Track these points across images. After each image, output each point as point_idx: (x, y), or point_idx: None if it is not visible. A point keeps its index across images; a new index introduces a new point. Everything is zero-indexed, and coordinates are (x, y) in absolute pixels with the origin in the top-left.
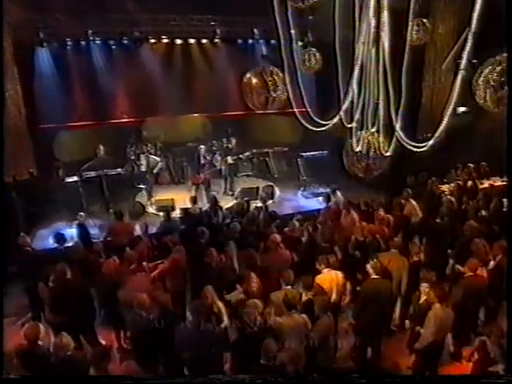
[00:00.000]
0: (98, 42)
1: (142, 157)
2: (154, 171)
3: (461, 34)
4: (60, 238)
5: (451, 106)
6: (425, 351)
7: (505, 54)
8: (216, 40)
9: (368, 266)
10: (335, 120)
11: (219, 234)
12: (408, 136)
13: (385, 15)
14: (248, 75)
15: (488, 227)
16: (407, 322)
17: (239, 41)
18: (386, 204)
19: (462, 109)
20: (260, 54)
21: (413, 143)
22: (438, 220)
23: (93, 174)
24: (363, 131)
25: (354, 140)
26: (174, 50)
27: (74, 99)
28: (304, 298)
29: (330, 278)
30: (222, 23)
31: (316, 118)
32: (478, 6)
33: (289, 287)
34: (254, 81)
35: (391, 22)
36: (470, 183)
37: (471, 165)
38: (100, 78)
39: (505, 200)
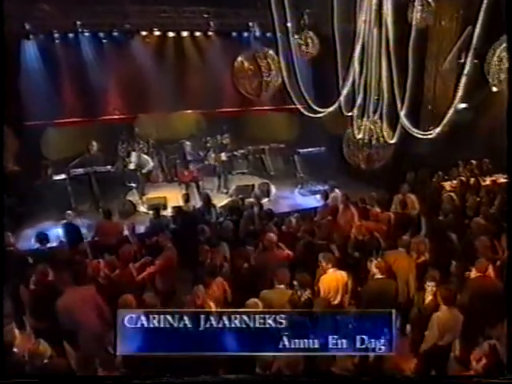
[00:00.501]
0: (86, 34)
1: (133, 154)
2: (143, 171)
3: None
4: (43, 237)
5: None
6: (429, 355)
7: None
8: (210, 33)
9: (372, 266)
10: (335, 106)
11: (212, 232)
12: (412, 124)
13: None
14: (239, 59)
15: (495, 224)
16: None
17: (234, 34)
18: (385, 201)
19: (462, 105)
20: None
21: (417, 131)
22: (440, 217)
23: (81, 171)
24: (364, 118)
25: (355, 127)
26: (166, 42)
27: (63, 94)
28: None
29: (335, 278)
30: (215, 15)
31: (313, 106)
32: None
33: (282, 286)
34: (246, 64)
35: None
36: (472, 180)
37: (473, 161)
38: (90, 72)
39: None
